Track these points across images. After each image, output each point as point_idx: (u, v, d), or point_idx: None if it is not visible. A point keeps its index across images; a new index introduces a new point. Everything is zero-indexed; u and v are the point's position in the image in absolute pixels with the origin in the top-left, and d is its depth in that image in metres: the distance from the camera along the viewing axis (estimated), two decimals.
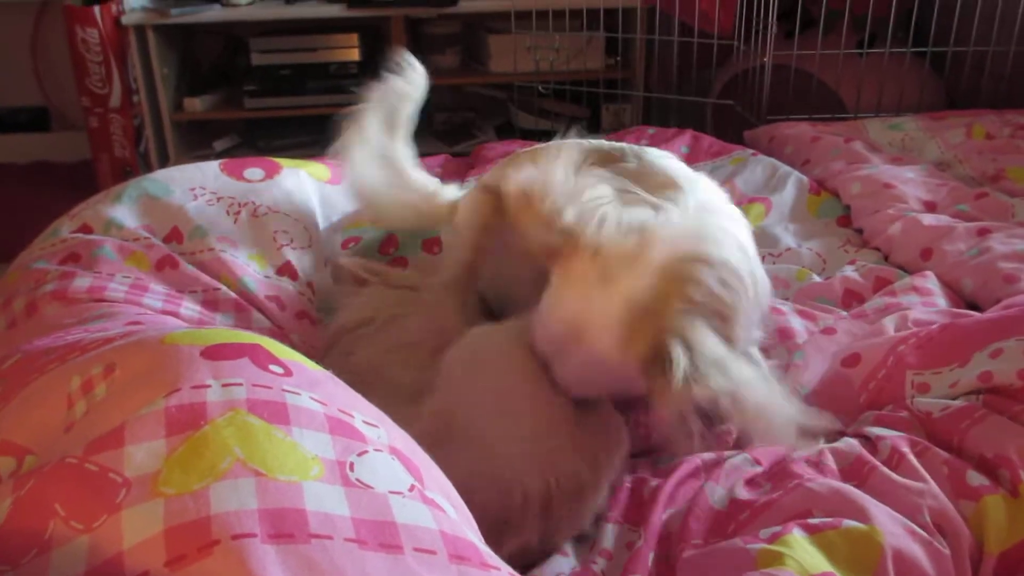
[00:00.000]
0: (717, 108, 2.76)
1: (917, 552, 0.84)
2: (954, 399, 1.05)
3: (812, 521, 0.86)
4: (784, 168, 1.80)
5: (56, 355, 0.76)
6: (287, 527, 0.56)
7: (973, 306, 1.30)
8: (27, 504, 0.59)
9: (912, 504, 0.89)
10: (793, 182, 1.76)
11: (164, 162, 3.02)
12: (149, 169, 3.03)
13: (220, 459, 0.59)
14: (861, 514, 0.86)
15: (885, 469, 0.94)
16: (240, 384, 0.66)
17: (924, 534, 0.86)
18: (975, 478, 0.92)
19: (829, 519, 0.86)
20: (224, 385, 0.65)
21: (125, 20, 2.84)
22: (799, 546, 0.82)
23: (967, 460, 0.95)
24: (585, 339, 0.92)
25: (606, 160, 1.17)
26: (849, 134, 2.00)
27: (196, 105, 3.00)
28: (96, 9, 2.85)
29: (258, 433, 0.62)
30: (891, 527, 0.85)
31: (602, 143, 1.25)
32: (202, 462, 0.59)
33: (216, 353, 0.69)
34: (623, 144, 1.24)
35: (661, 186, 1.06)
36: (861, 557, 0.82)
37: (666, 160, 1.18)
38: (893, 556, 0.82)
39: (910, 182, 1.66)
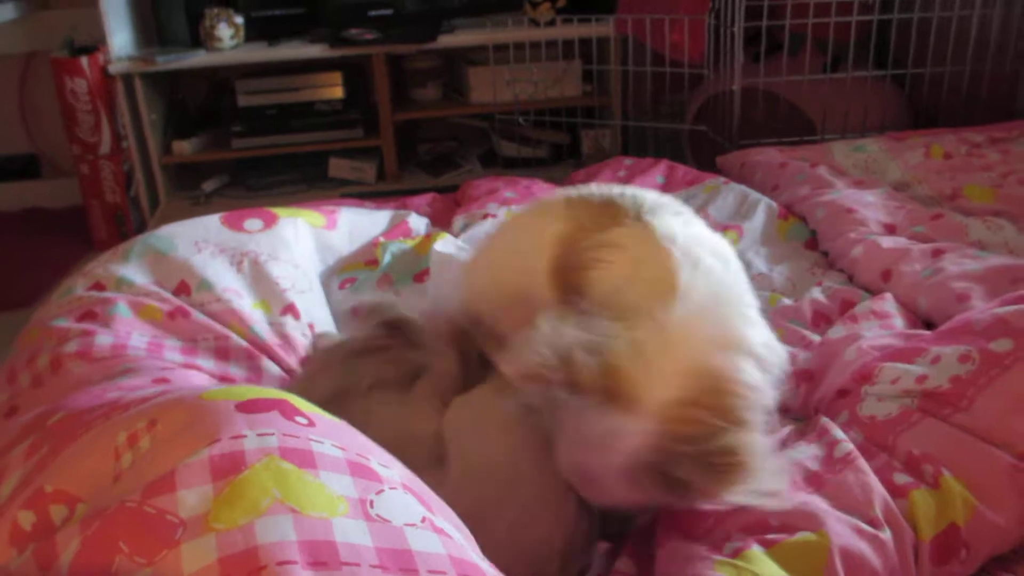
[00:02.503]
0: (693, 131, 2.87)
1: (863, 548, 0.93)
2: (895, 397, 1.15)
3: (769, 536, 0.95)
4: (754, 195, 1.90)
5: (100, 412, 0.85)
6: (322, 556, 0.65)
7: (929, 325, 1.39)
8: (94, 543, 0.67)
9: (863, 502, 0.99)
10: (763, 208, 1.86)
11: (155, 205, 3.09)
12: (140, 212, 3.11)
13: (261, 499, 0.68)
14: (814, 522, 0.96)
15: (837, 477, 1.03)
16: (272, 434, 0.75)
17: (870, 530, 0.95)
18: (900, 477, 1.03)
19: (784, 533, 0.95)
20: (259, 435, 0.74)
21: (112, 69, 2.92)
22: (758, 560, 0.92)
23: (896, 460, 1.06)
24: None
25: (601, 217, 1.16)
26: (815, 158, 2.10)
27: (185, 148, 3.08)
28: (84, 60, 2.94)
29: (291, 476, 0.71)
30: (839, 528, 0.95)
31: (592, 193, 1.22)
32: (245, 502, 0.68)
33: (249, 407, 0.78)
34: (616, 192, 1.20)
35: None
36: (811, 562, 0.92)
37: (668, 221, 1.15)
38: (840, 554, 0.92)
39: (871, 206, 1.76)
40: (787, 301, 1.54)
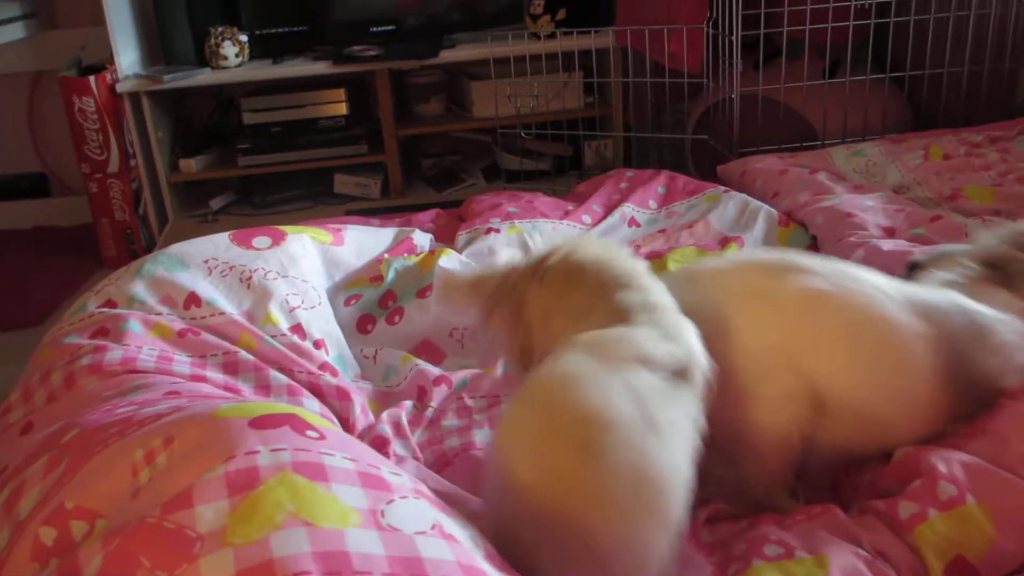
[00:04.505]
0: (695, 140, 2.89)
1: (862, 568, 0.93)
2: None
3: (768, 552, 0.96)
4: (755, 203, 1.92)
5: (115, 430, 0.87)
6: (336, 565, 0.67)
7: None
8: (116, 558, 0.70)
9: (853, 539, 0.99)
10: (763, 217, 1.88)
11: (163, 223, 3.12)
12: (149, 230, 3.14)
13: (275, 513, 0.71)
14: (812, 547, 0.97)
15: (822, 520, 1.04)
16: (285, 449, 0.78)
17: (867, 555, 0.96)
18: (907, 509, 1.00)
19: (783, 550, 0.97)
20: (272, 451, 0.77)
21: (120, 88, 2.96)
22: (760, 571, 0.93)
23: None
24: None
25: None
26: (815, 164, 2.12)
27: (191, 166, 3.12)
28: (92, 79, 2.97)
29: (303, 490, 0.73)
30: (837, 551, 0.95)
31: None
32: (261, 516, 0.70)
33: (261, 423, 0.81)
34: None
35: None
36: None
37: None
38: (841, 570, 0.93)
39: (870, 210, 1.78)
40: None
